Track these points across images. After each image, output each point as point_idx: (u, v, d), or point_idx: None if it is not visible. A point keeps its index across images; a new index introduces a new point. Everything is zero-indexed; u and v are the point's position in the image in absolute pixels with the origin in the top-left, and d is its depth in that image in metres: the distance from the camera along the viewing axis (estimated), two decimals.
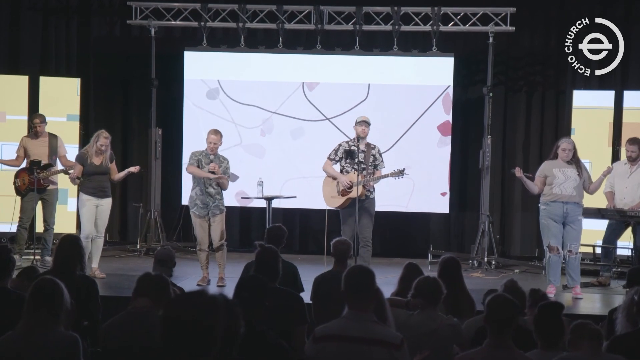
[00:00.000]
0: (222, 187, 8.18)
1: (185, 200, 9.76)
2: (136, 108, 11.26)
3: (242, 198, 10.23)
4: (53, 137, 9.34)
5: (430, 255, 9.90)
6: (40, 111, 9.73)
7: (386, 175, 8.26)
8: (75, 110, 10.41)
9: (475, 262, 9.85)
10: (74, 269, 5.18)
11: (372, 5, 10.34)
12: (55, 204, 9.28)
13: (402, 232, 11.03)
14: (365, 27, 10.35)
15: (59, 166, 9.24)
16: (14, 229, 9.21)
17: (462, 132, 10.82)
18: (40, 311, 3.77)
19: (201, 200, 8.17)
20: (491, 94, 10.11)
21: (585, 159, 8.58)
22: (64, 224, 9.76)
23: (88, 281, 5.32)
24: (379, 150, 8.50)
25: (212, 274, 8.31)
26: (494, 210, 10.57)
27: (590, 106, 9.99)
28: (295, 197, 9.56)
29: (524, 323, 4.32)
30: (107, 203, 8.55)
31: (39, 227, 9.33)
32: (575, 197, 7.95)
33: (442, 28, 10.21)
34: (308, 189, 9.87)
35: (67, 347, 3.79)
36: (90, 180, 8.41)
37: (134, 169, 8.78)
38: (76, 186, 8.72)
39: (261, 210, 9.89)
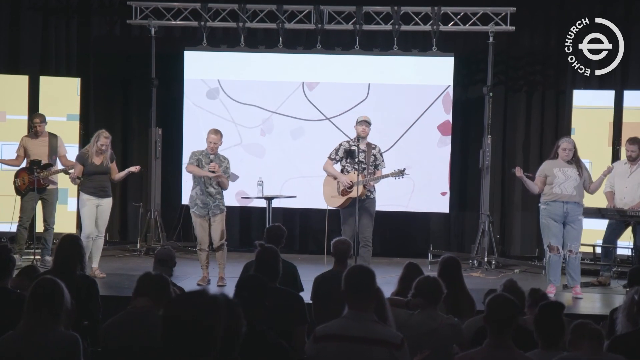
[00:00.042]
0: (222, 186, 8.17)
1: (185, 200, 9.77)
2: (136, 108, 11.26)
3: (242, 198, 10.23)
4: (53, 137, 9.33)
5: (430, 255, 9.90)
6: (40, 111, 9.73)
7: (386, 175, 8.26)
8: (75, 110, 10.41)
9: (475, 261, 9.84)
10: (74, 269, 5.18)
11: (372, 4, 10.34)
12: (55, 203, 9.28)
13: (402, 231, 11.02)
14: (365, 27, 10.35)
15: (59, 166, 9.23)
16: (14, 228, 9.20)
17: (462, 131, 10.81)
18: (40, 311, 3.77)
19: (201, 200, 8.17)
20: (491, 94, 10.11)
21: (585, 158, 8.57)
22: (64, 223, 9.76)
23: (88, 281, 5.32)
24: (379, 150, 8.49)
25: (212, 274, 8.31)
26: (494, 210, 10.56)
27: (590, 106, 9.99)
28: (295, 196, 9.55)
29: (524, 323, 4.32)
30: (107, 203, 8.55)
31: (39, 227, 9.32)
32: (576, 197, 7.95)
33: (442, 28, 10.21)
34: (308, 189, 9.87)
35: (68, 346, 3.79)
36: (90, 180, 8.41)
37: (134, 168, 8.78)
38: (76, 186, 8.72)
39: (261, 210, 9.89)
